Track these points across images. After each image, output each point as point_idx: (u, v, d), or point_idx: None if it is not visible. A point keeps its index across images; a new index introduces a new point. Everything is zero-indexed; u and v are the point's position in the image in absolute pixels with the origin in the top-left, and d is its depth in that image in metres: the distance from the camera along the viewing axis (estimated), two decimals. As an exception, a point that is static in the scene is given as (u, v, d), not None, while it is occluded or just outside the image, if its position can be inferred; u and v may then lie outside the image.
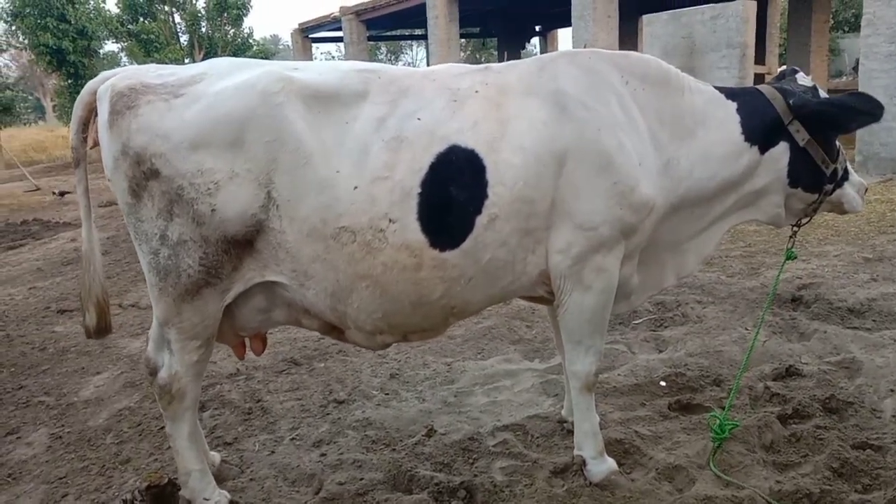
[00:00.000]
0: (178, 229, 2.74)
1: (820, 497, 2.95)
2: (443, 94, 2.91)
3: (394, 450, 3.64)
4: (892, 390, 3.83)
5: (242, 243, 2.78)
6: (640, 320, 5.32)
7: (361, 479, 3.35)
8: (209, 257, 2.76)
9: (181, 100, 2.71)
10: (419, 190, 2.74)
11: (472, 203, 2.79)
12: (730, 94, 3.23)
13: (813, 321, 5.01)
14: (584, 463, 3.19)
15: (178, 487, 3.26)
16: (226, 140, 2.69)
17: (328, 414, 4.11)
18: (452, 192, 2.77)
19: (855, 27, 33.99)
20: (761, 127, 3.15)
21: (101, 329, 3.07)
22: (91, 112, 2.88)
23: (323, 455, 3.64)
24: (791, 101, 3.14)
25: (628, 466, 3.31)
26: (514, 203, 2.82)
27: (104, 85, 2.79)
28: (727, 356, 4.48)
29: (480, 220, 2.79)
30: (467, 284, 2.88)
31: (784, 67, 3.61)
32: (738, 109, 3.16)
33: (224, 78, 2.79)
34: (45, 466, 3.79)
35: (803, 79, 3.31)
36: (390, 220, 2.73)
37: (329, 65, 3.03)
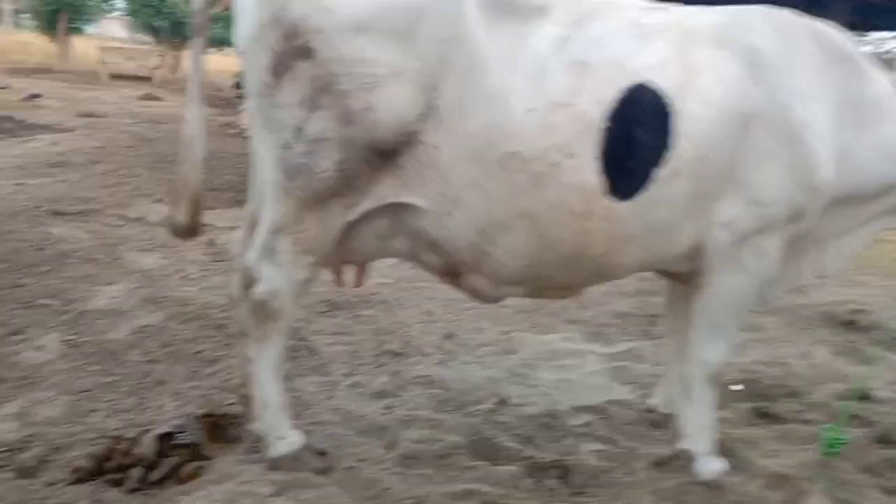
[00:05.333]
0: (320, 124, 2.34)
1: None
2: (629, 25, 2.58)
3: (466, 414, 3.32)
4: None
5: (387, 154, 2.40)
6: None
7: (440, 440, 3.03)
8: (348, 163, 2.38)
9: None
10: (603, 125, 2.41)
11: (654, 152, 2.47)
12: (911, 88, 2.99)
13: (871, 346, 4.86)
14: (692, 458, 2.93)
15: (235, 422, 2.88)
16: (397, 29, 2.30)
17: (384, 365, 3.76)
18: (638, 134, 2.44)
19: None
20: None
21: (192, 229, 2.67)
22: (228, -31, 2.45)
23: (388, 408, 3.31)
24: None
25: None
26: (694, 161, 2.51)
27: None
28: (794, 369, 4.28)
29: (660, 174, 2.48)
30: (626, 245, 2.57)
31: None
32: None
33: None
34: (63, 375, 3.36)
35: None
36: (567, 154, 2.39)
37: None
